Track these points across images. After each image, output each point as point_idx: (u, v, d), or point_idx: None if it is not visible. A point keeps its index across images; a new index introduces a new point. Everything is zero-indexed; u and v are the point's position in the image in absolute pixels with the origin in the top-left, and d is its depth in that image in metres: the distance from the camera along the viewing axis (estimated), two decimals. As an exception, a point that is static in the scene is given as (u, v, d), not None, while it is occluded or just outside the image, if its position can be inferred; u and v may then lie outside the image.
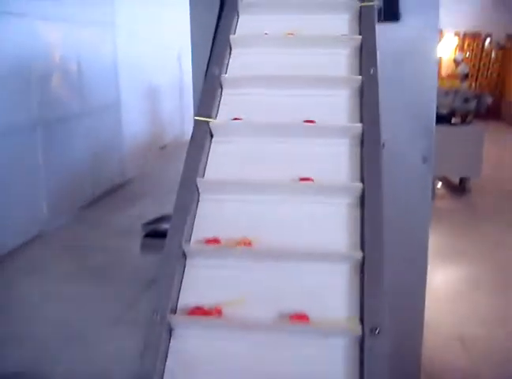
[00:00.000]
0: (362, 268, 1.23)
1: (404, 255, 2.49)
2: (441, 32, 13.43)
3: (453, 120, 6.92)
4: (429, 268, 4.63)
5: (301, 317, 1.18)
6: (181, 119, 10.00)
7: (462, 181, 7.07)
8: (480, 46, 13.72)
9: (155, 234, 3.71)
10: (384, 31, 2.29)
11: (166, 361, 1.15)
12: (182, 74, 9.68)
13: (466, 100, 6.68)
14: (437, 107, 6.71)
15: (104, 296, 4.24)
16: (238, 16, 1.82)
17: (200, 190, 1.40)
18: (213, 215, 1.39)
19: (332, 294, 1.23)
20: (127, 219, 5.87)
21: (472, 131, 6.84)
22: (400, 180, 2.39)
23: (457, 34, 13.68)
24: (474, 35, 13.67)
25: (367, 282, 1.19)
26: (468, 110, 6.80)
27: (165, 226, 3.38)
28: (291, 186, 1.39)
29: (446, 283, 4.61)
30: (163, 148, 9.27)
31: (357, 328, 1.14)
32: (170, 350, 1.17)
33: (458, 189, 7.12)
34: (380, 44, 2.28)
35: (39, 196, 5.68)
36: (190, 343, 1.18)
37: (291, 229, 1.35)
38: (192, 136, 1.44)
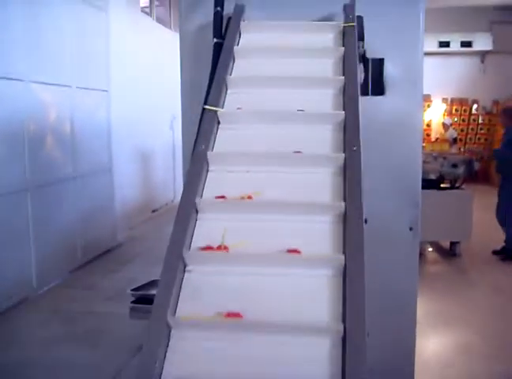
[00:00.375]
0: (344, 341, 1.24)
1: (393, 322, 2.49)
2: (429, 98, 13.78)
3: (443, 185, 7.00)
4: (420, 334, 4.62)
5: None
6: (173, 183, 10.08)
7: (452, 245, 7.09)
8: (468, 112, 14.03)
9: (143, 299, 3.68)
10: (371, 105, 2.39)
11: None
12: (175, 138, 9.82)
13: (454, 165, 6.79)
14: (426, 172, 6.87)
15: (91, 362, 4.16)
16: (226, 89, 1.87)
17: (186, 261, 1.43)
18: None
19: (313, 367, 1.23)
20: (117, 283, 5.83)
21: (461, 195, 6.92)
22: (387, 248, 2.42)
23: (444, 100, 14.02)
24: (461, 101, 14.01)
25: (348, 356, 1.20)
26: (456, 175, 6.90)
27: (154, 291, 3.36)
28: (278, 258, 1.42)
29: (438, 349, 4.56)
30: (154, 211, 9.30)
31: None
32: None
33: (449, 253, 7.13)
34: (367, 117, 2.37)
35: (28, 258, 5.64)
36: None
37: (276, 300, 1.36)
38: (178, 213, 1.47)
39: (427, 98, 14.03)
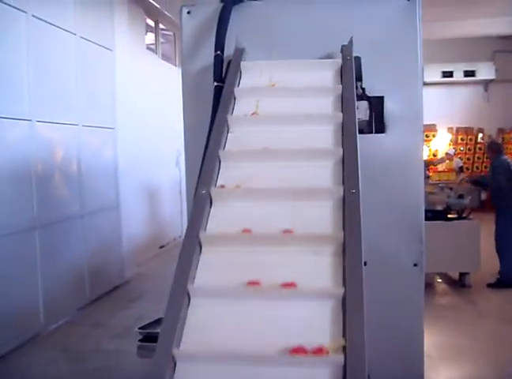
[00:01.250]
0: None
1: (400, 359, 2.48)
2: (434, 128, 13.83)
3: (450, 215, 6.98)
4: (430, 366, 4.56)
5: None
6: (181, 218, 10.10)
7: (462, 276, 7.04)
8: (474, 141, 14.05)
9: (151, 338, 3.68)
10: (372, 142, 2.41)
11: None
12: (182, 174, 9.87)
13: (461, 196, 6.77)
14: (433, 204, 6.83)
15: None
16: (228, 129, 1.90)
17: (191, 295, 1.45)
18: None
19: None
20: (125, 321, 5.81)
21: (468, 226, 6.89)
22: (392, 285, 2.42)
23: (450, 129, 14.06)
24: (466, 130, 14.05)
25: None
26: (463, 205, 6.88)
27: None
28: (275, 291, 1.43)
29: (449, 383, 4.51)
30: (162, 246, 9.31)
31: None
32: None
33: (458, 284, 7.07)
34: (368, 154, 2.39)
35: (36, 296, 5.65)
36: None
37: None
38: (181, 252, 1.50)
39: (432, 128, 14.09)
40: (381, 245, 2.41)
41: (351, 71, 1.97)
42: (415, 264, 2.42)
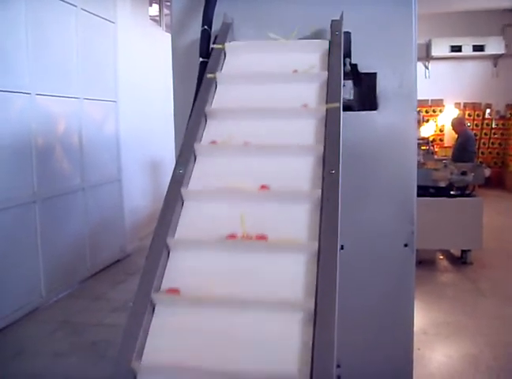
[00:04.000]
0: None
1: (390, 340, 2.46)
2: (442, 103, 13.71)
3: (453, 192, 6.93)
4: (427, 344, 4.57)
5: None
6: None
7: (463, 253, 7.01)
8: (481, 116, 13.90)
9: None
10: (364, 120, 2.37)
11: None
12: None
13: (463, 173, 6.70)
14: (436, 180, 6.82)
15: (99, 374, 4.16)
16: (206, 120, 1.84)
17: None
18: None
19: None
20: (125, 294, 5.85)
21: (471, 203, 6.84)
22: (382, 265, 2.39)
23: (457, 104, 13.91)
24: (474, 106, 13.89)
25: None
26: (466, 182, 6.83)
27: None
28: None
29: (445, 361, 4.50)
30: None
31: None
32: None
33: (460, 261, 7.05)
34: (360, 133, 2.35)
35: (36, 270, 5.67)
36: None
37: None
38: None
39: (439, 103, 13.95)
40: (371, 225, 2.38)
41: (339, 47, 1.91)
42: (405, 245, 2.39)
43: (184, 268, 1.44)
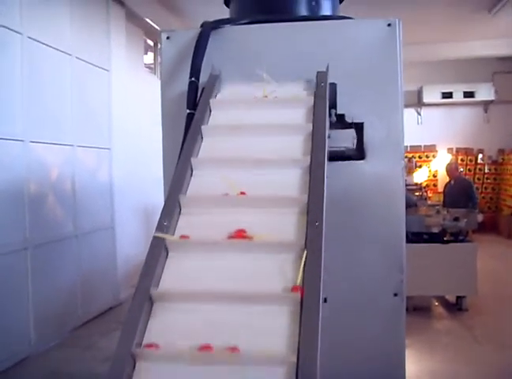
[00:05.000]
0: None
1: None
2: (434, 148, 13.85)
3: (446, 238, 6.92)
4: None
5: None
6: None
7: (459, 299, 6.96)
8: (474, 161, 14.02)
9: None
10: (351, 170, 2.38)
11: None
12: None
13: (456, 219, 6.72)
14: (429, 226, 6.82)
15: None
16: (192, 172, 1.84)
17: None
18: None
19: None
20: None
21: (465, 248, 6.82)
22: (371, 315, 2.36)
23: (450, 150, 14.04)
24: (467, 151, 14.02)
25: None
26: (458, 228, 6.83)
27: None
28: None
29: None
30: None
31: None
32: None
33: (455, 307, 6.99)
34: (347, 182, 2.36)
35: (26, 318, 5.59)
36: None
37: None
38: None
39: (432, 148, 14.09)
40: (359, 274, 2.36)
41: (324, 98, 1.93)
42: (395, 294, 2.36)
43: (167, 320, 1.42)
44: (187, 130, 1.95)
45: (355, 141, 2.34)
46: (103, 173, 7.43)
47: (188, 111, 2.14)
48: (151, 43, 10.06)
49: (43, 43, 5.97)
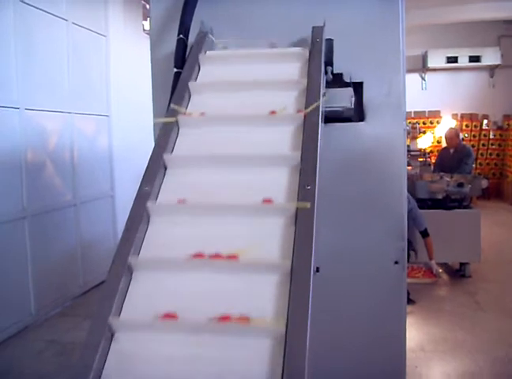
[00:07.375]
0: None
1: (381, 359, 2.36)
2: (439, 114, 13.67)
3: (450, 204, 6.82)
4: (425, 361, 4.45)
5: None
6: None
7: (462, 266, 6.90)
8: (478, 127, 13.84)
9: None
10: (350, 131, 2.27)
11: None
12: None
13: (460, 185, 6.61)
14: (433, 192, 6.72)
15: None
16: (178, 130, 1.75)
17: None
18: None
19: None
20: (116, 312, 5.73)
21: (469, 215, 6.73)
22: (372, 283, 2.29)
23: (454, 116, 13.86)
24: (471, 117, 13.83)
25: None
26: (462, 194, 6.72)
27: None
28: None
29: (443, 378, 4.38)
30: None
31: None
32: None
33: (458, 274, 6.93)
34: (347, 145, 2.25)
35: (26, 287, 5.55)
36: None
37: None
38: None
39: (436, 114, 13.90)
40: (360, 241, 2.28)
41: (319, 54, 1.82)
42: (396, 262, 2.28)
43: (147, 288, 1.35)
44: (174, 88, 1.85)
45: (353, 100, 2.22)
46: (102, 141, 7.32)
47: (175, 70, 2.03)
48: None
49: (38, 8, 5.81)
